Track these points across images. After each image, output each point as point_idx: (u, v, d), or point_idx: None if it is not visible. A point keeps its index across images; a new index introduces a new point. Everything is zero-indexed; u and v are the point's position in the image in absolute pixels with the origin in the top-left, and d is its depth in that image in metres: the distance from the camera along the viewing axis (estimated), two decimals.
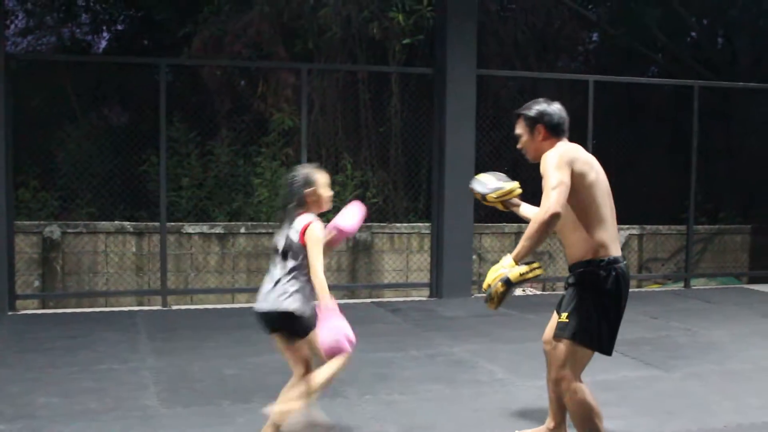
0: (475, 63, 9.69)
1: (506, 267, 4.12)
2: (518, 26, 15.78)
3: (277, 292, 4.44)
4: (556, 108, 4.51)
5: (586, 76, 10.75)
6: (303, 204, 4.55)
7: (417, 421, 5.17)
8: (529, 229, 4.11)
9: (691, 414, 5.44)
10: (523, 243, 4.14)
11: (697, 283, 11.35)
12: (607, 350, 4.30)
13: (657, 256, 12.63)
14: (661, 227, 12.69)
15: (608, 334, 4.26)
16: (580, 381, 4.29)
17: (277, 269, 4.50)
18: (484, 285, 4.19)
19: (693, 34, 18.68)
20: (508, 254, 4.22)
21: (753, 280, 11.76)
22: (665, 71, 17.04)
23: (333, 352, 4.41)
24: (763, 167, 13.20)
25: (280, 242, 4.52)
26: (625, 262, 4.31)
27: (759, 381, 6.29)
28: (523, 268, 4.09)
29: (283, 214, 4.60)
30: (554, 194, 4.06)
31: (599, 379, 6.18)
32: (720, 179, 13.82)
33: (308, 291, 4.45)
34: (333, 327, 4.35)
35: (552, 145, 4.39)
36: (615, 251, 4.26)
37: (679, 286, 11.22)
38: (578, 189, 4.19)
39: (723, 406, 5.63)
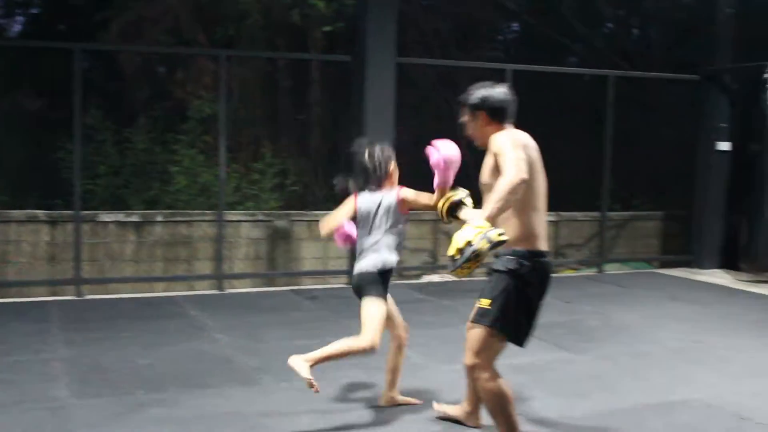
0: (395, 51, 9.71)
1: (482, 227, 3.81)
2: (439, 15, 15.87)
3: (378, 251, 4.80)
4: (498, 92, 4.46)
5: (504, 65, 10.86)
6: (384, 179, 4.86)
7: (332, 407, 5.19)
8: (501, 191, 3.91)
9: (601, 395, 5.57)
10: (495, 204, 3.91)
11: (611, 268, 11.58)
12: (523, 342, 4.34)
13: (572, 242, 12.84)
14: (576, 214, 12.89)
15: (527, 327, 4.30)
16: (493, 368, 4.32)
17: (373, 235, 4.82)
18: (460, 244, 3.80)
19: (609, 25, 19.02)
20: (472, 216, 4.09)
21: (664, 265, 12.04)
22: (584, 61, 17.31)
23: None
24: (674, 155, 13.52)
25: (373, 210, 4.83)
26: (550, 257, 4.34)
27: (667, 361, 6.47)
28: (500, 230, 3.85)
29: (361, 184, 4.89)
30: (521, 163, 4.00)
31: (513, 362, 6.26)
32: (634, 167, 14.10)
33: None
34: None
35: (496, 130, 4.34)
36: (544, 245, 4.28)
37: (593, 272, 11.43)
38: None
39: (632, 386, 5.78)
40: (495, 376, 4.30)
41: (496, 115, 4.41)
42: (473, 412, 4.87)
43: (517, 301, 4.19)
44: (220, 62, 9.66)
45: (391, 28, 9.64)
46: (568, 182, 14.42)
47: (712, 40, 11.42)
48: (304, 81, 13.62)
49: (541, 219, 4.30)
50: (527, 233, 4.22)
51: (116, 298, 8.87)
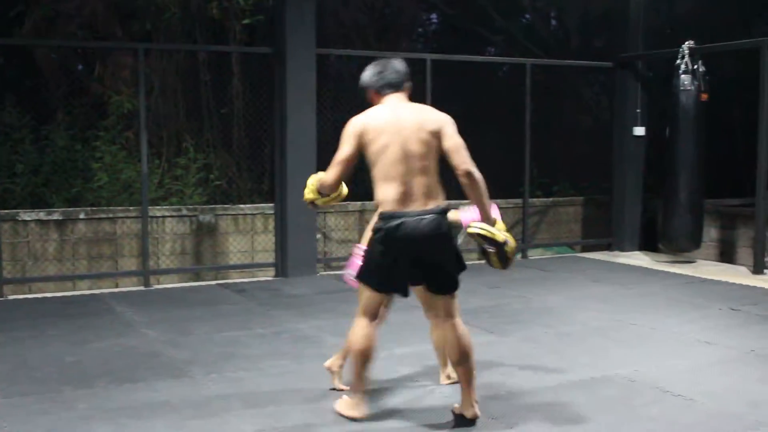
0: (315, 43, 9.74)
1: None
2: (358, 7, 15.92)
3: None
4: (374, 67, 4.81)
5: (423, 55, 10.98)
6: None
7: (262, 396, 5.21)
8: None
9: (525, 374, 5.70)
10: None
11: (534, 254, 11.80)
12: (389, 290, 4.72)
13: None
14: (498, 201, 13.04)
15: (380, 277, 4.63)
16: (365, 318, 4.68)
17: None
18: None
19: (527, 16, 19.29)
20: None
21: (585, 249, 12.31)
22: (503, 52, 17.53)
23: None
24: (593, 142, 13.81)
25: None
26: (403, 220, 4.49)
27: (589, 340, 6.65)
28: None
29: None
30: (333, 167, 4.74)
31: None
32: (554, 154, 14.36)
33: None
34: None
35: (377, 104, 4.75)
36: (399, 207, 4.51)
37: (516, 257, 11.63)
38: (368, 154, 4.58)
39: (556, 365, 5.93)
40: (364, 326, 4.67)
41: (376, 89, 4.78)
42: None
43: (376, 255, 4.59)
44: (138, 56, 9.56)
45: (310, 20, 9.67)
46: (491, 170, 14.61)
47: (625, 28, 11.68)
48: (225, 74, 13.52)
49: (395, 185, 4.53)
50: (380, 200, 4.56)
51: (40, 297, 8.74)
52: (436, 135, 4.55)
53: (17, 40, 13.18)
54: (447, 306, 4.77)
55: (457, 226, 4.73)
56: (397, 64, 4.83)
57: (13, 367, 5.89)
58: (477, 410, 4.71)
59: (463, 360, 4.70)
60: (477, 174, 4.53)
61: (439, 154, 4.60)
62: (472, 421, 4.68)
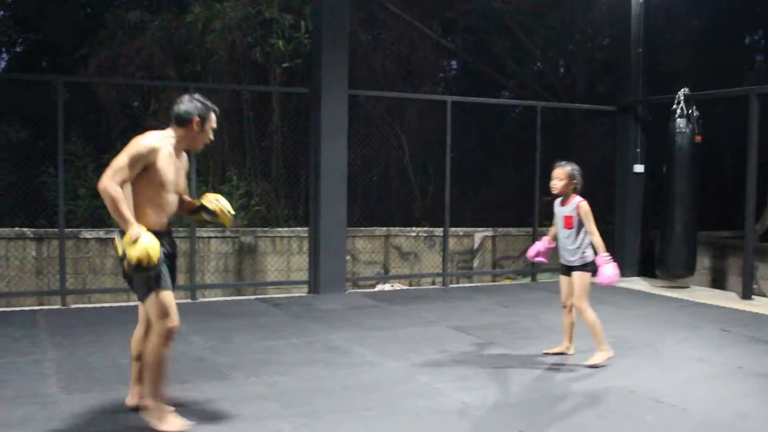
0: (347, 84, 9.84)
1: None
2: (386, 54, 16.07)
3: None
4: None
5: (444, 97, 11.06)
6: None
7: (297, 398, 5.25)
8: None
9: (535, 384, 5.72)
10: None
11: (543, 277, 11.77)
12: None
13: (508, 254, 13.05)
14: (511, 229, 13.11)
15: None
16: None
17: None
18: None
19: (538, 64, 19.39)
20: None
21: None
22: (515, 96, 17.62)
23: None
24: (596, 177, 13.81)
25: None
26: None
27: (590, 356, 6.63)
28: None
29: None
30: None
31: (457, 358, 6.44)
32: None
33: None
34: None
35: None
36: (154, 225, 4.50)
37: (527, 280, 11.62)
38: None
39: (562, 376, 5.94)
40: (165, 331, 4.47)
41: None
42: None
43: None
44: (189, 94, 9.69)
45: (343, 64, 9.77)
46: (504, 201, 14.68)
47: (626, 75, 11.72)
48: (266, 111, 13.68)
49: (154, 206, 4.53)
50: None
51: (98, 307, 8.84)
52: None
53: (82, 78, 13.42)
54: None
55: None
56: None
57: (75, 368, 5.97)
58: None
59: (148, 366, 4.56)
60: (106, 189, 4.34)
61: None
62: None
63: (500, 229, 13.09)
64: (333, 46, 9.66)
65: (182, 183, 4.79)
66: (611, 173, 12.11)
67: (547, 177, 11.42)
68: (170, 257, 4.69)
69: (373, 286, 11.19)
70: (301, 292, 10.15)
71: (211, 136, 4.80)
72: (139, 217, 4.45)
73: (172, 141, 4.64)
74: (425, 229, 12.68)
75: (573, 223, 6.30)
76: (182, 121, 4.66)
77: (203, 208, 4.98)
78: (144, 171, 4.45)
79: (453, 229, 11.52)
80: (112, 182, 4.31)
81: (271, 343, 6.98)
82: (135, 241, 4.25)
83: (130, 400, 4.93)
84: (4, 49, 18.09)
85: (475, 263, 12.93)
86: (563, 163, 6.33)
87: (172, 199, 4.64)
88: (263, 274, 11.07)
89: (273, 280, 11.00)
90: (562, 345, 6.58)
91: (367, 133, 12.52)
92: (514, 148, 14.44)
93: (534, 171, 11.34)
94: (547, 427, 4.76)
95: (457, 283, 11.63)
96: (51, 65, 17.11)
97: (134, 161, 4.39)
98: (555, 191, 6.32)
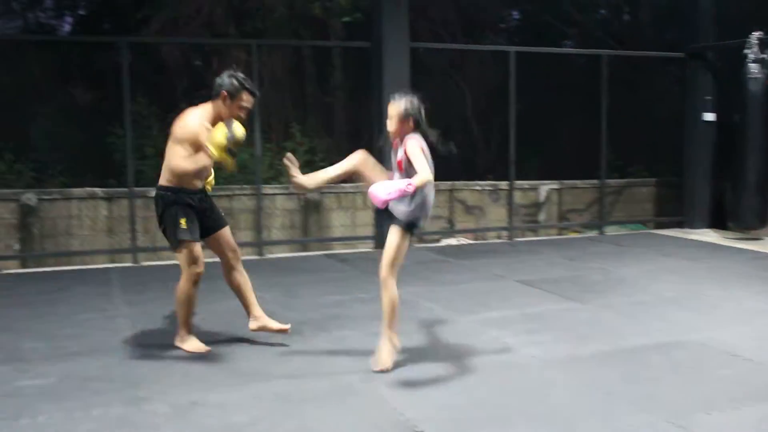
0: (408, 37, 9.75)
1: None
2: (446, 5, 15.86)
3: None
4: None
5: (508, 47, 10.88)
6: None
7: (366, 353, 5.29)
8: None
9: (604, 338, 5.67)
10: None
11: (610, 230, 11.64)
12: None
13: (575, 207, 12.90)
14: (577, 182, 12.94)
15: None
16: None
17: None
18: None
19: (602, 11, 18.94)
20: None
21: (658, 226, 12.09)
22: (579, 45, 17.27)
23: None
24: (664, 127, 13.53)
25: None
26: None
27: (662, 309, 6.55)
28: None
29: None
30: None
31: (525, 311, 6.42)
32: (628, 139, 14.11)
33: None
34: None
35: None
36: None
37: (594, 233, 11.50)
38: None
39: (632, 330, 5.87)
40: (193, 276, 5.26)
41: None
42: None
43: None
44: (251, 52, 9.73)
45: (403, 16, 9.68)
46: (569, 154, 14.48)
47: (695, 20, 11.38)
48: (327, 67, 13.67)
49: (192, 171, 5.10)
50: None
51: (168, 264, 9.00)
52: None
53: (145, 39, 13.55)
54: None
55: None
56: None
57: (148, 322, 6.12)
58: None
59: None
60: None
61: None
62: None
63: (566, 182, 12.93)
64: None
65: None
66: (679, 123, 11.83)
67: (614, 128, 11.28)
68: (201, 211, 5.25)
69: (438, 240, 11.19)
70: (367, 247, 10.20)
71: (242, 114, 5.11)
72: (178, 178, 5.06)
73: (207, 114, 5.07)
74: (490, 182, 12.59)
75: (404, 167, 4.79)
76: (214, 94, 5.07)
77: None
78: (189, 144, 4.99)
79: (518, 182, 11.42)
80: (188, 163, 4.98)
81: (339, 298, 7.05)
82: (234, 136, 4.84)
83: (252, 325, 5.54)
84: (68, 13, 18.35)
85: (541, 217, 12.81)
86: (396, 96, 4.89)
87: (207, 166, 5.15)
88: (329, 230, 11.15)
89: (338, 236, 11.07)
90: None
91: (428, 86, 12.41)
92: (579, 99, 14.16)
93: (600, 122, 11.13)
94: (618, 381, 4.72)
95: (523, 237, 11.55)
96: (113, 27, 17.31)
97: (192, 142, 4.95)
98: (391, 135, 4.89)
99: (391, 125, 4.81)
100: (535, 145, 13.57)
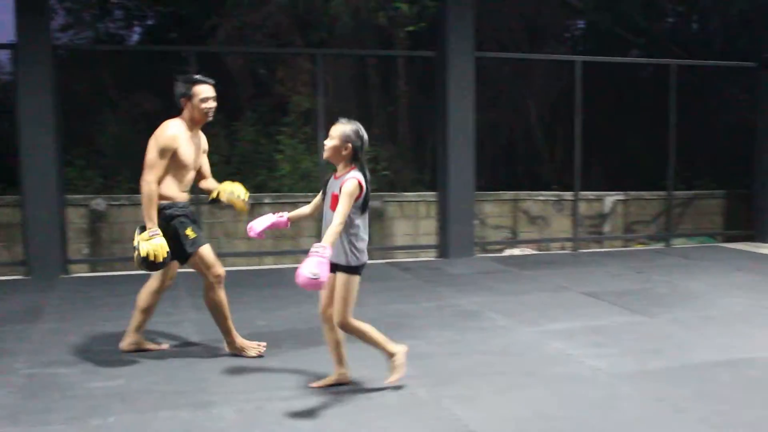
0: (474, 47, 9.74)
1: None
2: (512, 15, 15.81)
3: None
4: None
5: (574, 57, 10.80)
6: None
7: (430, 363, 5.29)
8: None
9: (672, 352, 5.56)
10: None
11: (677, 242, 11.44)
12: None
13: (640, 219, 12.71)
14: (643, 193, 12.76)
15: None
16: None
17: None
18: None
19: (670, 20, 18.64)
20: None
21: (727, 239, 11.84)
22: (646, 54, 17.04)
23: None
24: (733, 139, 13.26)
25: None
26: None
27: (732, 324, 6.40)
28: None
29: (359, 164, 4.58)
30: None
31: (591, 324, 6.33)
32: (696, 150, 13.87)
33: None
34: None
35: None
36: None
37: (660, 245, 11.31)
38: None
39: (701, 345, 5.75)
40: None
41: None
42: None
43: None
44: (316, 61, 9.81)
45: (469, 26, 9.68)
46: (636, 165, 14.28)
47: (767, 28, 11.14)
48: (391, 76, 13.71)
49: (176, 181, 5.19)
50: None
51: (233, 270, 9.12)
52: None
53: (212, 48, 13.78)
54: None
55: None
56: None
57: (214, 328, 6.14)
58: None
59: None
60: (146, 185, 5.00)
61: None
62: None
63: (632, 193, 12.75)
64: (459, 7, 9.58)
65: (200, 160, 5.41)
66: (749, 134, 11.57)
67: (682, 139, 11.08)
68: (194, 222, 5.37)
69: (502, 250, 11.13)
70: (430, 256, 10.19)
71: (210, 106, 5.19)
72: (164, 188, 5.09)
73: (184, 123, 5.19)
74: (554, 192, 12.49)
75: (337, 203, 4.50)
76: (179, 106, 5.21)
77: (217, 200, 5.65)
78: (171, 156, 5.06)
79: (583, 192, 11.30)
80: (152, 178, 4.98)
81: (402, 306, 7.05)
82: (150, 239, 4.96)
83: (123, 344, 5.55)
84: (136, 22, 18.76)
85: (606, 228, 12.65)
86: (344, 120, 4.63)
87: (191, 176, 5.29)
88: (392, 239, 11.18)
89: (401, 244, 11.08)
90: (334, 374, 4.89)
91: (493, 96, 12.38)
92: (646, 109, 13.96)
93: (667, 133, 10.95)
94: (688, 397, 4.63)
95: (587, 248, 11.42)
96: (181, 36, 17.64)
97: (163, 153, 5.01)
98: (324, 156, 4.65)
99: (329, 144, 4.55)
100: (601, 155, 13.42)
